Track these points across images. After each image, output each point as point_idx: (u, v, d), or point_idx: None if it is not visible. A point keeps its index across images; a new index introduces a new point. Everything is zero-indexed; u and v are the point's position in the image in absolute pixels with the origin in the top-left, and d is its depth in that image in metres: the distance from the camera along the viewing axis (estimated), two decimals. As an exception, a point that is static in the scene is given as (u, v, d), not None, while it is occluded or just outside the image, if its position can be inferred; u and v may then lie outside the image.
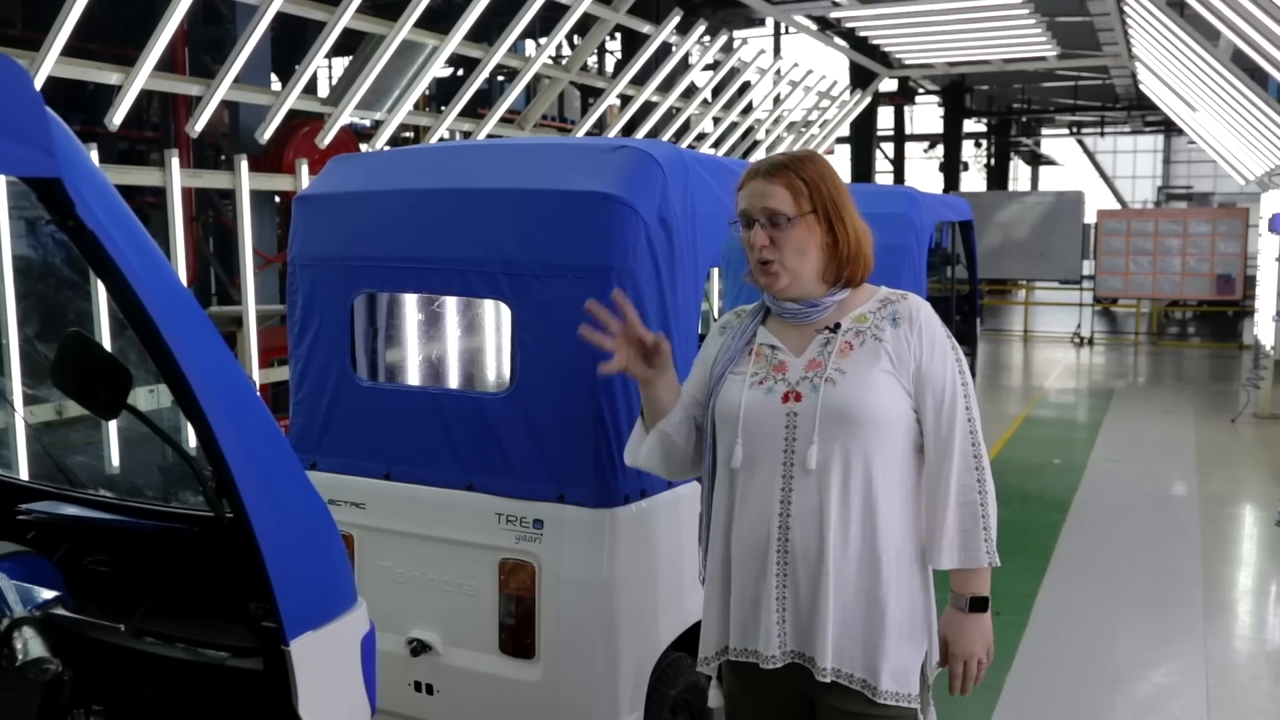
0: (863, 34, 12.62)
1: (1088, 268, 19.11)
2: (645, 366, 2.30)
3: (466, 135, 8.58)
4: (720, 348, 2.32)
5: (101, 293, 5.24)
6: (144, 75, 5.50)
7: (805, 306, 2.21)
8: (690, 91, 11.15)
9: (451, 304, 4.03)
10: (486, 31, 10.13)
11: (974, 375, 2.33)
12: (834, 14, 11.74)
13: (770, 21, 17.24)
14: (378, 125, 7.68)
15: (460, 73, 13.83)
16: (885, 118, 23.83)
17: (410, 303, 3.80)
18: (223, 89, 5.96)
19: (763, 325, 2.29)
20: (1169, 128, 29.35)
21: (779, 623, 2.15)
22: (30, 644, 1.71)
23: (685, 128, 11.21)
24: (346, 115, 7.06)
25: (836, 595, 2.11)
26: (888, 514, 2.13)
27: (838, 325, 2.20)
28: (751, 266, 2.24)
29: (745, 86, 11.99)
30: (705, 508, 2.34)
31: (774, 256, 2.17)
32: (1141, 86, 17.95)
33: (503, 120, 8.66)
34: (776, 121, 12.78)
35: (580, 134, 10.18)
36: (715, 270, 7.07)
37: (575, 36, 13.51)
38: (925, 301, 2.24)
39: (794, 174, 2.18)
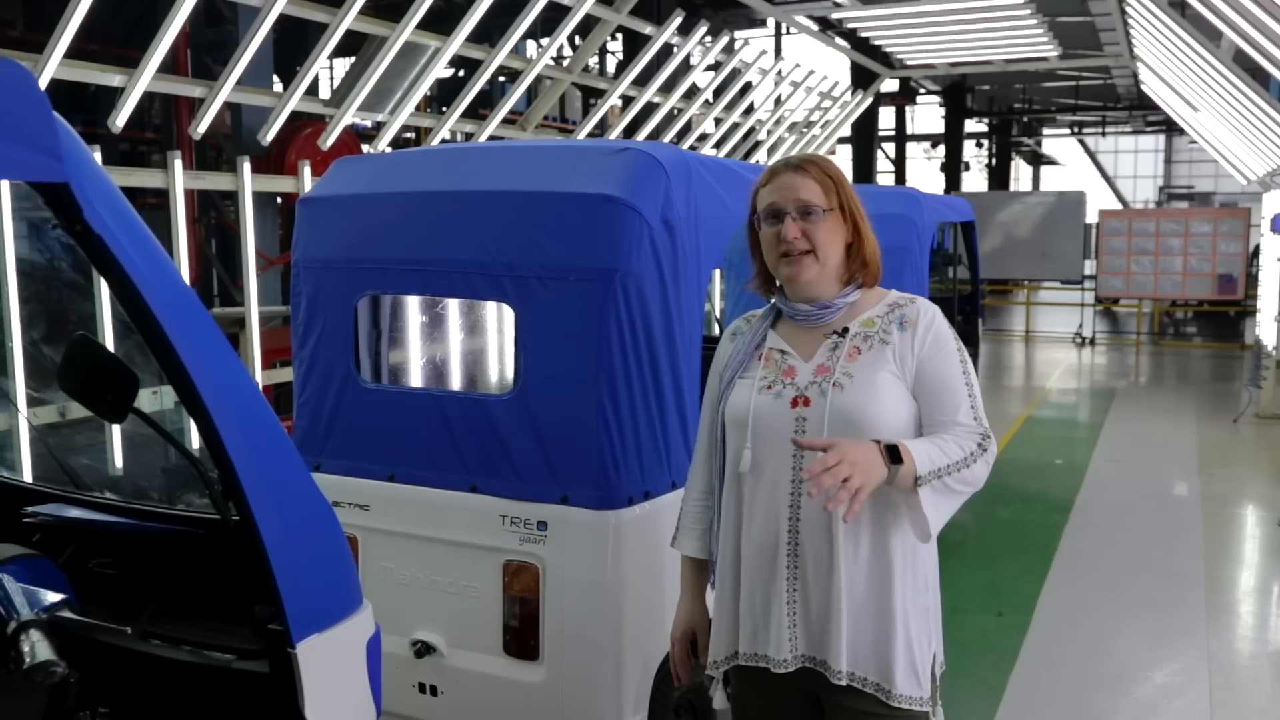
0: (864, 34, 12.62)
1: (1089, 268, 19.10)
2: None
3: (468, 136, 8.58)
4: (730, 353, 2.32)
5: (105, 295, 5.24)
6: (147, 77, 5.51)
7: (818, 308, 2.22)
8: (692, 92, 11.15)
9: (455, 306, 4.04)
10: (488, 33, 10.13)
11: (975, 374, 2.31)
12: (835, 15, 11.75)
13: (771, 22, 17.24)
14: (380, 127, 7.68)
15: (462, 74, 13.84)
16: (886, 118, 23.82)
17: (414, 305, 3.80)
18: (225, 91, 5.96)
19: (772, 329, 2.29)
20: (1170, 128, 29.33)
21: (790, 627, 2.15)
22: (37, 647, 1.72)
23: (687, 129, 11.21)
24: (349, 117, 7.06)
25: (849, 599, 2.12)
26: (897, 517, 2.13)
27: (846, 329, 2.21)
28: (771, 263, 2.23)
29: (747, 87, 11.99)
30: (715, 513, 2.34)
31: (805, 247, 2.17)
32: (1143, 86, 17.95)
33: (505, 121, 8.66)
34: (778, 122, 12.78)
35: (582, 135, 10.18)
36: (718, 271, 7.09)
37: (577, 38, 13.50)
38: (934, 305, 2.24)
39: (821, 169, 2.21)
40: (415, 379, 3.86)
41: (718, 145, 11.82)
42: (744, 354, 2.28)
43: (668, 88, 10.16)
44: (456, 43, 7.32)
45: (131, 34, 9.79)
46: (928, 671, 2.18)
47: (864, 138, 19.03)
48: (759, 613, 2.20)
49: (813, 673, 2.16)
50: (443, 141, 8.01)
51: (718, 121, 12.17)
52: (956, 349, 2.20)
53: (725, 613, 2.28)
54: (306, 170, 6.55)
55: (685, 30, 9.76)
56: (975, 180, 33.21)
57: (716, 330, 6.91)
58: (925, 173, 31.15)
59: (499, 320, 4.28)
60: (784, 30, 19.34)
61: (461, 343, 4.14)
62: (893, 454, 2.02)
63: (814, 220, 2.17)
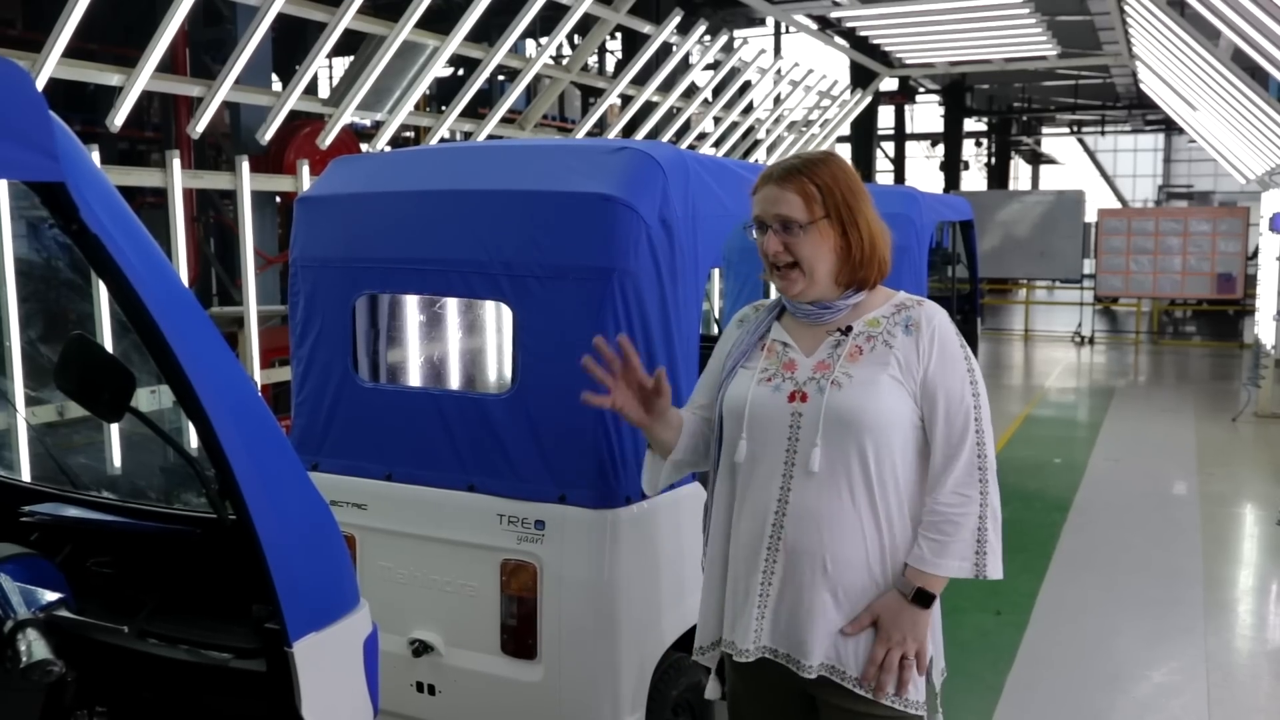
0: (863, 33, 12.62)
1: (1088, 267, 19.10)
2: (643, 412, 2.29)
3: (467, 135, 8.58)
4: (735, 341, 2.34)
5: (103, 294, 5.24)
6: (145, 76, 5.50)
7: (819, 309, 2.22)
8: (691, 91, 11.15)
9: (453, 305, 4.04)
10: (487, 32, 10.14)
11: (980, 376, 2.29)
12: (834, 13, 11.75)
13: (771, 21, 17.24)
14: (379, 126, 7.68)
15: (461, 73, 13.84)
16: (886, 117, 23.82)
17: (412, 304, 3.80)
18: (224, 90, 5.96)
19: (778, 321, 2.30)
20: (1169, 127, 29.34)
21: (757, 619, 2.17)
22: (34, 646, 1.72)
23: (686, 128, 11.20)
24: (347, 116, 7.06)
25: (835, 596, 2.12)
26: (888, 518, 2.13)
27: (849, 328, 2.20)
28: (765, 270, 2.24)
29: (746, 86, 11.98)
30: (708, 499, 2.36)
31: (787, 261, 2.17)
32: (1142, 85, 17.95)
33: (503, 120, 8.66)
34: (777, 121, 12.77)
35: (581, 134, 10.18)
36: (716, 270, 7.09)
37: (576, 36, 13.51)
38: (941, 309, 2.22)
39: (807, 179, 2.15)
40: (413, 378, 3.86)
41: (717, 144, 11.82)
42: (748, 343, 2.29)
43: (666, 87, 10.15)
44: (455, 41, 7.32)
45: (130, 33, 9.78)
46: (924, 674, 2.18)
47: (863, 137, 19.04)
48: (739, 601, 2.22)
49: (796, 667, 2.17)
50: (441, 140, 8.01)
51: (717, 120, 12.17)
52: (963, 356, 2.18)
53: (712, 600, 2.30)
54: (305, 169, 6.55)
55: (684, 29, 9.75)
56: (974, 179, 33.20)
57: (715, 330, 6.91)
58: (924, 171, 31.15)
59: (497, 319, 4.28)
60: (783, 29, 19.34)
61: (459, 342, 4.14)
62: (921, 595, 2.08)
63: (795, 234, 2.15)
